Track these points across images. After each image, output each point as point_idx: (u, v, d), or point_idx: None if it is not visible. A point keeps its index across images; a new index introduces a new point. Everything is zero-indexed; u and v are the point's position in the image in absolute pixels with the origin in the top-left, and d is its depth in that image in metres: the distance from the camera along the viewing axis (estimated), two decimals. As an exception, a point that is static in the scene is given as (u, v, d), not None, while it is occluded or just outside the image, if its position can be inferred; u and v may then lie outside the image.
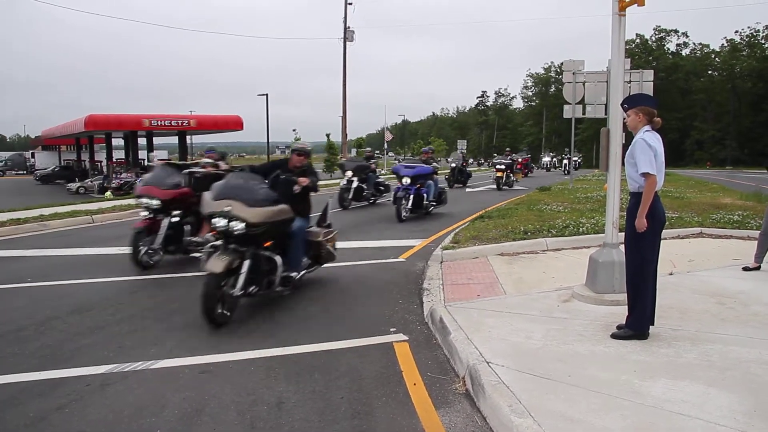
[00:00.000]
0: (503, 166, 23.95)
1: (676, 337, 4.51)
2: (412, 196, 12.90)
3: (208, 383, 4.12)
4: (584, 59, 20.05)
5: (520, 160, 36.35)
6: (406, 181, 13.00)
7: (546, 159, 51.98)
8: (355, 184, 15.87)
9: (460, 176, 25.41)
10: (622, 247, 4.85)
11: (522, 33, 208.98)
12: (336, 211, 13.92)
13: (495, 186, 23.64)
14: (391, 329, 5.29)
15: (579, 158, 50.10)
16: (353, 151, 46.18)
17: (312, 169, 6.63)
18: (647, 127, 4.56)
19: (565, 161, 42.22)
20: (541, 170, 49.09)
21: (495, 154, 57.23)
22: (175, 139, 37.59)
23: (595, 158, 58.83)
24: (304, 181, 6.25)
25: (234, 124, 34.25)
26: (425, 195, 13.28)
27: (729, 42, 78.85)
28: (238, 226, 5.31)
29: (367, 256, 8.78)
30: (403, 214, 12.64)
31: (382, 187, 17.28)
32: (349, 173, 16.06)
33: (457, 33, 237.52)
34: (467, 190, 24.09)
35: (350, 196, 15.80)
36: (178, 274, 7.67)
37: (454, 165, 26.03)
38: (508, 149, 32.87)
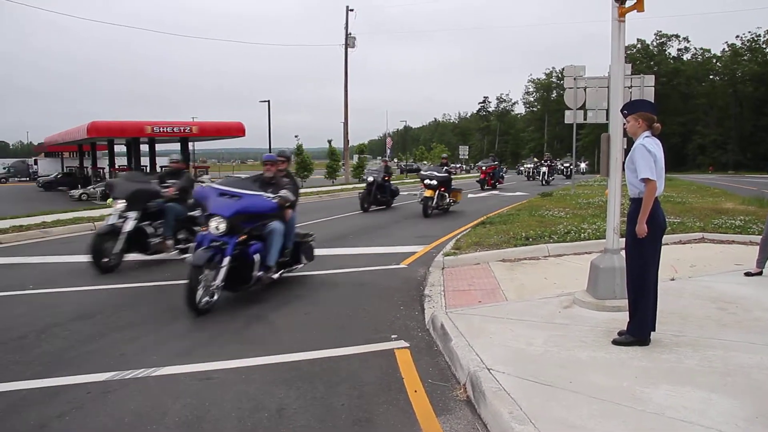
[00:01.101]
0: (434, 182, 15.65)
1: (677, 342, 4.50)
2: (226, 259, 6.16)
3: (209, 390, 4.12)
4: (585, 65, 20.15)
5: (484, 168, 30.12)
6: (217, 225, 6.19)
7: (528, 166, 42.08)
8: (130, 226, 8.46)
9: (380, 195, 17.88)
10: (624, 253, 4.84)
11: (524, 38, 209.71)
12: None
13: (422, 209, 15.53)
14: (393, 336, 5.29)
15: (570, 163, 42.06)
16: (355, 158, 46.26)
17: None
18: (647, 133, 4.56)
19: (544, 169, 34.23)
20: (522, 179, 41.38)
21: (425, 162, 42.18)
22: (177, 146, 37.69)
23: (596, 164, 58.52)
24: None
25: (236, 131, 34.29)
26: (257, 257, 6.63)
27: (730, 47, 78.95)
28: None
29: (369, 262, 8.78)
30: (203, 299, 5.98)
31: (197, 228, 8.51)
32: (120, 204, 8.56)
33: (458, 39, 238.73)
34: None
35: (118, 248, 8.34)
36: (180, 281, 7.67)
37: (371, 179, 17.87)
38: (444, 156, 19.58)
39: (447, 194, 16.35)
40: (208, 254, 6.03)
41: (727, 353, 4.24)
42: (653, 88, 18.53)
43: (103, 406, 3.85)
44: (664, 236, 4.70)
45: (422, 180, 16.20)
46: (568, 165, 42.20)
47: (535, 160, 41.98)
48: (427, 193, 15.61)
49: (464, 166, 75.28)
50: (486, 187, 28.81)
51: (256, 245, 6.68)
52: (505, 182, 34.89)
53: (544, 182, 32.91)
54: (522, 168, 43.86)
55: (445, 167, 17.06)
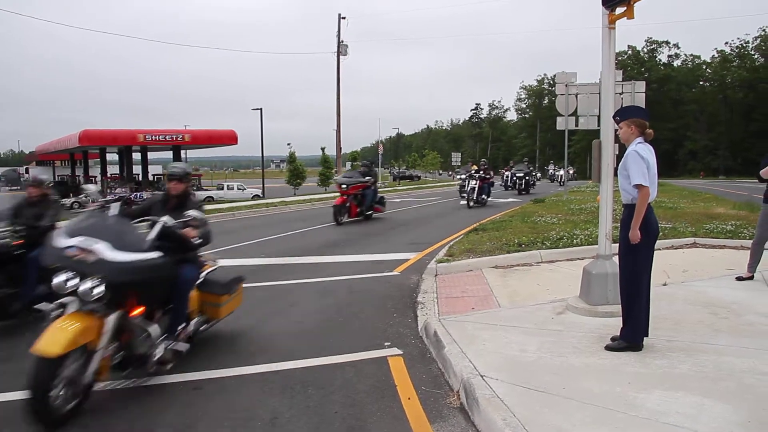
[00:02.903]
0: (98, 291, 3.68)
1: (670, 348, 4.51)
2: None
3: (202, 399, 4.09)
4: (577, 71, 20.36)
5: (345, 186, 16.14)
6: None
7: (462, 176, 24.93)
8: None
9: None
10: (616, 259, 4.86)
11: (516, 46, 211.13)
12: None
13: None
14: (386, 343, 5.27)
15: (525, 172, 31.35)
16: (348, 165, 46.37)
17: None
18: (639, 139, 4.58)
19: (473, 183, 20.77)
20: (451, 194, 29.12)
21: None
22: (169, 154, 37.58)
23: (588, 170, 58.59)
24: None
25: (228, 139, 34.25)
26: None
27: (720, 53, 79.84)
28: None
29: (362, 270, 8.76)
30: None
31: None
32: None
33: (451, 46, 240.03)
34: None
35: None
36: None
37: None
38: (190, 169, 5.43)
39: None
40: None
41: (720, 358, 4.25)
42: (644, 94, 18.70)
43: (95, 416, 3.81)
44: (657, 242, 4.71)
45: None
46: (521, 176, 30.35)
47: (474, 168, 23.07)
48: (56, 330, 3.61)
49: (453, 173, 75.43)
50: (344, 219, 15.70)
51: None
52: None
53: (471, 203, 20.59)
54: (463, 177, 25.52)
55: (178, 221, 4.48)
